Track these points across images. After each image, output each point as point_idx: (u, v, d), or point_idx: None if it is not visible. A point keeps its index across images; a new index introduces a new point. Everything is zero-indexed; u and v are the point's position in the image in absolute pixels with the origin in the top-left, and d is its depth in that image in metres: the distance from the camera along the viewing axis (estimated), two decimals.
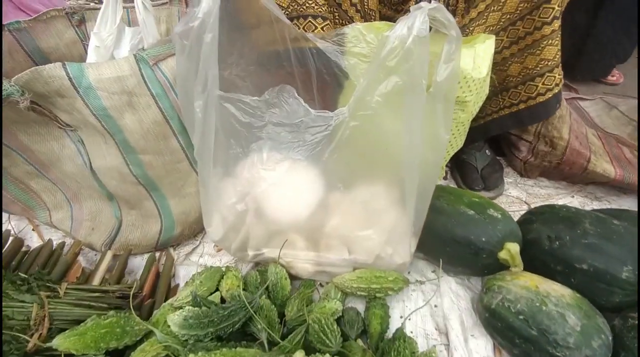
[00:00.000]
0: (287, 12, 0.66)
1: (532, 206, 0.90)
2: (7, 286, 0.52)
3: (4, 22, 0.80)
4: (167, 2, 0.84)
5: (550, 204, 0.76)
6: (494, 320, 0.63)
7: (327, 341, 0.54)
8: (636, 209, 0.84)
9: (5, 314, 0.49)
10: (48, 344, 0.48)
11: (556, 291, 0.60)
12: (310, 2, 0.64)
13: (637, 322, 0.58)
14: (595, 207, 0.88)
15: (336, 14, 0.70)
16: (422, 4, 0.45)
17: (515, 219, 0.73)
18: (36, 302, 0.51)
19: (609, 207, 0.91)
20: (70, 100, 0.63)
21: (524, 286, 0.62)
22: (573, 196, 0.94)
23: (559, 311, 0.57)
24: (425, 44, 0.45)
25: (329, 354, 0.51)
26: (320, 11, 0.66)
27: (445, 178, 1.00)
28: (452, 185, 0.99)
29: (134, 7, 0.73)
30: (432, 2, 0.47)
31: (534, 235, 0.69)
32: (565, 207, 0.71)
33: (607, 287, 0.61)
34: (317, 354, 0.51)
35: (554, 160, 0.91)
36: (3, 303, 0.49)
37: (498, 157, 1.02)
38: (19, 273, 0.58)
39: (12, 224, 0.86)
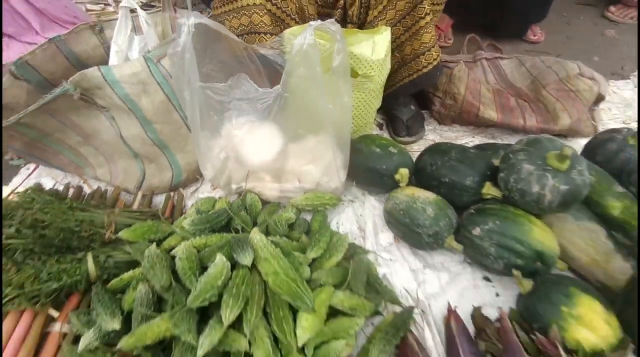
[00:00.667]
0: (240, 31, 0.96)
1: None
2: (88, 204, 0.88)
3: (45, 35, 1.11)
4: (159, 9, 1.13)
5: (436, 143, 1.09)
6: (390, 217, 0.98)
7: (278, 229, 0.89)
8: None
9: (91, 219, 0.85)
10: (116, 236, 0.85)
11: (425, 195, 0.94)
12: (261, 24, 0.94)
13: (472, 212, 0.92)
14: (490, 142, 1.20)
15: (282, 27, 0.99)
16: (311, 22, 0.75)
17: None
18: (106, 215, 0.87)
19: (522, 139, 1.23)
20: (105, 90, 0.95)
21: (407, 194, 0.96)
22: (474, 137, 1.26)
23: (422, 206, 0.92)
24: (314, 47, 0.76)
25: (278, 236, 0.87)
26: (268, 29, 0.95)
27: (381, 129, 1.32)
28: (386, 134, 1.31)
29: (137, 15, 1.04)
30: (332, 19, 0.77)
31: (423, 163, 1.03)
32: (445, 143, 1.04)
33: (459, 192, 0.95)
34: (271, 235, 0.87)
35: (457, 110, 1.22)
36: (88, 212, 0.86)
37: (423, 111, 1.33)
38: (91, 201, 0.93)
39: (69, 178, 1.21)
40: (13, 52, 1.11)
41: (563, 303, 0.76)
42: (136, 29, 1.07)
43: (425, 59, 1.05)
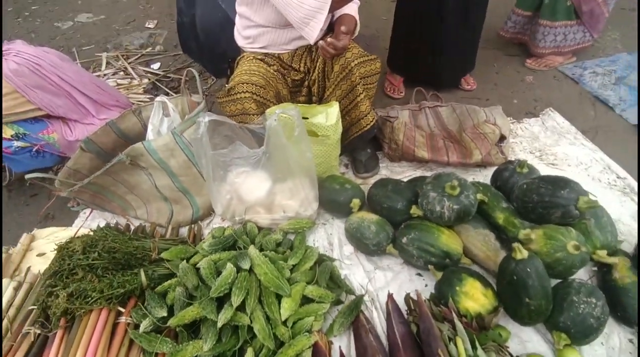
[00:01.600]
0: (236, 113, 1.40)
1: None
2: (138, 235, 1.30)
3: (99, 116, 1.56)
4: (179, 95, 1.59)
5: (381, 178, 1.50)
6: (348, 234, 1.38)
7: (268, 246, 1.30)
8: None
9: (142, 245, 1.26)
10: (159, 256, 1.26)
11: (370, 217, 1.35)
12: (250, 109, 1.38)
13: (402, 227, 1.32)
14: (427, 175, 1.62)
15: (264, 108, 1.43)
16: (277, 111, 1.19)
17: None
18: (151, 242, 1.28)
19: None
20: (145, 156, 1.39)
21: (358, 217, 1.37)
22: (415, 170, 1.68)
23: (368, 224, 1.32)
24: (278, 126, 1.19)
25: (268, 250, 1.28)
26: (255, 112, 1.39)
27: (347, 168, 1.74)
28: (351, 173, 1.72)
29: (166, 103, 1.49)
30: (290, 109, 1.21)
31: (370, 194, 1.44)
32: (386, 179, 1.46)
33: (394, 213, 1.36)
34: (264, 251, 1.28)
35: (399, 152, 1.64)
36: (140, 241, 1.27)
37: (378, 152, 1.76)
38: (138, 234, 1.35)
39: (116, 219, 1.63)
40: (79, 132, 1.57)
41: (457, 284, 1.14)
42: (164, 113, 1.52)
43: (364, 122, 1.49)
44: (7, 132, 1.44)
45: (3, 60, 1.36)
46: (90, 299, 1.14)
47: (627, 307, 1.12)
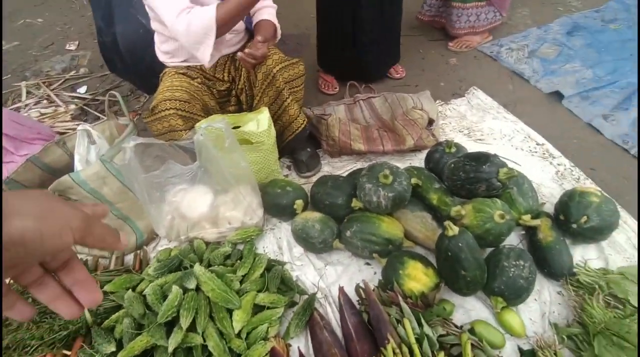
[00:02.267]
0: (163, 131, 1.37)
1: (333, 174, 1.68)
2: None
3: (19, 153, 1.47)
4: (105, 119, 1.53)
5: (320, 176, 1.53)
6: (295, 235, 1.40)
7: (216, 261, 1.29)
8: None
9: None
10: (103, 290, 1.22)
11: (313, 216, 1.38)
12: (177, 125, 1.35)
13: (345, 221, 1.36)
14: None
15: (192, 122, 1.41)
16: (203, 126, 1.18)
17: None
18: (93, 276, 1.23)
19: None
20: (75, 189, 1.33)
21: (302, 217, 1.39)
22: (356, 163, 1.73)
23: (312, 224, 1.35)
24: (206, 140, 1.18)
25: (216, 265, 1.27)
26: (182, 127, 1.35)
27: (290, 169, 1.76)
28: (295, 174, 1.74)
29: (90, 131, 1.43)
30: (219, 122, 1.20)
31: (312, 193, 1.47)
32: (324, 176, 1.49)
33: (336, 209, 1.39)
34: (212, 266, 1.27)
35: (337, 148, 1.68)
36: None
37: (318, 149, 1.79)
38: None
39: None
40: None
41: (399, 268, 1.20)
42: (90, 140, 1.46)
43: (295, 125, 1.52)
44: None
45: None
46: (30, 348, 1.08)
47: (552, 263, 1.23)
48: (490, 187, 1.28)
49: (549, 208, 1.44)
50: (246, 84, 1.52)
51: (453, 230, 1.14)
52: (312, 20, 2.14)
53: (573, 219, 1.27)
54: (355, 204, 1.37)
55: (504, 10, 2.23)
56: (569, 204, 1.30)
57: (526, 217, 1.29)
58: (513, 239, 1.37)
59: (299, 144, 1.65)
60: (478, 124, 1.84)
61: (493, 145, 1.71)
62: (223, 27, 1.28)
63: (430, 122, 1.70)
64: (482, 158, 1.29)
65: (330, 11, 1.93)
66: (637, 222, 1.40)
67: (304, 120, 1.52)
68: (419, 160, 1.70)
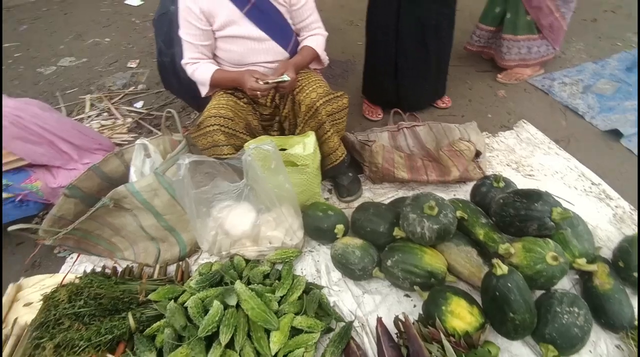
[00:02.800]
0: (207, 146, 1.43)
1: (374, 201, 1.67)
2: (125, 278, 1.30)
3: (82, 161, 1.59)
4: (160, 135, 1.63)
5: (362, 202, 1.53)
6: (334, 260, 1.40)
7: (255, 280, 1.31)
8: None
9: (129, 288, 1.26)
10: (146, 298, 1.26)
11: (354, 242, 1.37)
12: (219, 140, 1.41)
13: (386, 249, 1.34)
14: (409, 194, 1.65)
15: (235, 139, 1.47)
16: (251, 146, 1.22)
17: None
18: (139, 284, 1.28)
19: (414, 193, 1.68)
20: (129, 198, 1.40)
21: (342, 243, 1.38)
22: (397, 191, 1.71)
23: (352, 250, 1.34)
24: (252, 161, 1.22)
25: (255, 284, 1.28)
26: (224, 143, 1.41)
27: (331, 193, 1.77)
28: (335, 198, 1.75)
29: (147, 145, 1.52)
30: (267, 143, 1.24)
31: (354, 218, 1.47)
32: (367, 203, 1.48)
33: (377, 236, 1.38)
34: (252, 284, 1.28)
35: (380, 174, 1.68)
36: (126, 284, 1.27)
37: (360, 175, 1.79)
38: (125, 276, 1.35)
39: (103, 262, 1.63)
40: (62, 178, 1.58)
41: (442, 304, 1.15)
42: (146, 153, 1.55)
43: (333, 157, 1.55)
44: None
45: None
46: (78, 348, 1.13)
47: (610, 313, 1.14)
48: (542, 227, 1.22)
49: (606, 253, 1.35)
50: (290, 113, 1.57)
51: (502, 269, 1.09)
52: (359, 47, 2.20)
53: (635, 267, 1.18)
54: (397, 233, 1.35)
55: (557, 44, 2.18)
56: (630, 250, 1.21)
57: (581, 261, 1.22)
58: (565, 284, 1.29)
59: (338, 172, 1.67)
60: (527, 158, 1.78)
61: (543, 182, 1.65)
62: (215, 87, 1.56)
63: (477, 154, 1.67)
64: (534, 195, 1.25)
65: (376, 42, 1.96)
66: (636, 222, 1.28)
67: (343, 153, 1.54)
68: (463, 192, 1.66)
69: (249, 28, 1.46)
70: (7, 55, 3.50)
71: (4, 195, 1.47)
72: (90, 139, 1.72)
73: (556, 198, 1.24)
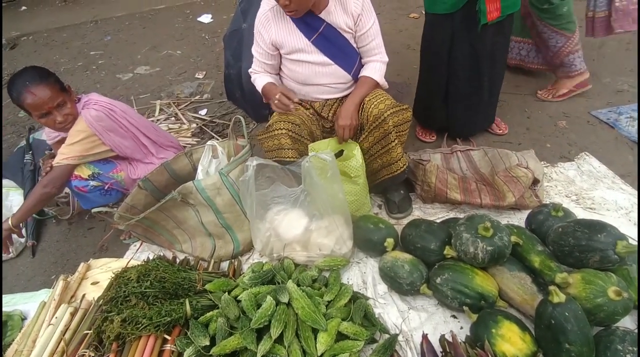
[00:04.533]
0: (272, 148, 1.53)
1: None
2: (183, 268, 1.41)
3: (158, 156, 1.74)
4: (226, 139, 1.75)
5: (415, 218, 1.55)
6: (382, 273, 1.42)
7: (304, 282, 1.36)
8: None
9: (189, 276, 1.36)
10: (203, 288, 1.34)
11: (404, 256, 1.39)
12: (285, 144, 1.50)
13: (436, 267, 1.34)
14: (460, 216, 1.65)
15: (299, 143, 1.56)
16: (311, 153, 1.30)
17: None
18: (197, 274, 1.38)
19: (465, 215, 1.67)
20: (195, 194, 1.52)
21: (392, 256, 1.41)
22: (449, 212, 1.71)
23: (402, 264, 1.36)
24: (310, 168, 1.29)
25: (305, 286, 1.33)
26: (290, 146, 1.50)
27: (380, 208, 1.80)
28: (385, 213, 1.78)
29: (215, 147, 1.65)
30: (325, 153, 1.31)
31: (404, 234, 1.49)
32: (418, 219, 1.50)
33: (428, 253, 1.39)
34: (300, 287, 1.33)
35: (432, 194, 1.69)
36: (187, 273, 1.37)
37: (411, 193, 1.81)
38: (184, 266, 1.46)
39: (163, 252, 1.75)
40: (140, 171, 1.76)
41: (492, 327, 1.14)
42: (213, 155, 1.68)
43: (395, 167, 1.59)
44: (85, 172, 1.64)
45: (85, 108, 1.59)
46: (140, 325, 1.23)
47: None
48: (604, 259, 1.18)
49: None
50: None
51: (559, 296, 1.06)
52: (414, 71, 2.25)
53: None
54: (448, 252, 1.35)
55: (547, 55, 2.27)
56: None
57: None
58: (628, 323, 1.22)
59: (392, 185, 1.70)
60: (589, 191, 1.72)
61: (606, 217, 1.58)
62: (264, 96, 1.66)
63: (535, 182, 1.64)
64: (597, 226, 1.21)
65: (429, 68, 2.00)
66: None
67: (404, 164, 1.57)
68: (517, 219, 1.63)
69: (315, 55, 1.56)
70: (92, 61, 3.92)
71: (94, 183, 1.65)
72: (164, 136, 1.89)
73: (621, 233, 1.20)
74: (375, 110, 1.51)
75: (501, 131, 2.14)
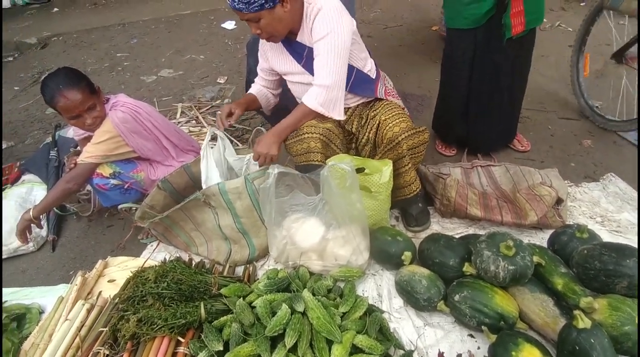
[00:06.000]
0: (301, 152, 1.52)
1: None
2: (199, 271, 1.42)
3: (178, 159, 1.77)
4: (246, 146, 1.77)
5: (433, 232, 1.52)
6: (398, 287, 1.40)
7: (320, 292, 1.35)
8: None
9: (205, 280, 1.36)
10: (218, 292, 1.35)
11: (421, 271, 1.36)
12: (315, 148, 1.50)
13: (454, 284, 1.32)
14: (480, 232, 1.62)
15: (328, 149, 1.54)
16: (330, 163, 1.29)
17: None
18: (213, 278, 1.38)
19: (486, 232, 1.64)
20: (217, 197, 1.53)
21: (409, 270, 1.39)
22: (468, 228, 1.68)
23: (419, 279, 1.33)
24: (329, 176, 1.29)
25: (320, 296, 1.32)
26: (320, 151, 1.50)
27: (398, 220, 1.78)
28: (402, 225, 1.76)
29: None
30: (345, 164, 1.31)
31: (422, 248, 1.47)
32: (437, 234, 1.48)
33: (446, 269, 1.36)
34: (315, 296, 1.32)
35: (451, 208, 1.67)
36: (203, 276, 1.37)
37: (429, 206, 1.79)
38: (202, 268, 1.47)
39: (178, 253, 1.77)
40: (160, 172, 1.79)
41: (512, 349, 1.10)
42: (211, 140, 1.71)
43: (407, 190, 1.58)
44: (107, 170, 1.68)
45: (113, 110, 1.63)
46: (155, 326, 1.23)
47: None
48: (633, 286, 1.14)
49: None
50: (371, 146, 1.61)
51: (585, 322, 1.03)
52: (435, 83, 2.23)
53: None
54: (468, 269, 1.33)
55: None
56: None
57: None
58: None
59: (409, 204, 1.69)
60: (614, 214, 1.67)
61: (633, 241, 1.52)
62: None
63: (559, 201, 1.60)
64: (626, 251, 1.17)
65: (450, 82, 1.99)
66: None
67: (417, 188, 1.57)
68: (539, 239, 1.59)
69: (304, 77, 1.58)
70: (118, 63, 4.03)
71: (114, 182, 1.68)
72: (186, 140, 1.91)
73: None
74: (389, 133, 1.50)
75: (523, 148, 2.10)
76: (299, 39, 1.53)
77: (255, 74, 2.61)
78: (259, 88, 1.79)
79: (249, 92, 1.78)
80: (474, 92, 1.92)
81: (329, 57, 1.42)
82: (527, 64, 1.95)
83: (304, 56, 1.53)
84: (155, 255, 1.79)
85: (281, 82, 1.79)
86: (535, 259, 1.28)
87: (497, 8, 1.69)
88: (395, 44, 3.49)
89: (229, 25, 4.44)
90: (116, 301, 1.45)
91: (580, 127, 2.23)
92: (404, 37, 3.61)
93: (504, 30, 1.71)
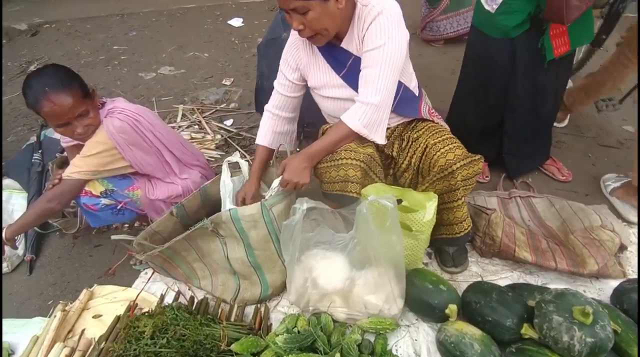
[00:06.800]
0: (336, 180, 1.28)
1: (484, 279, 1.44)
2: (207, 318, 1.18)
3: (180, 176, 1.53)
4: (270, 166, 1.54)
5: (478, 281, 1.31)
6: (441, 346, 1.18)
7: (351, 353, 1.12)
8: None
9: (212, 333, 1.13)
10: (228, 348, 1.11)
11: (472, 331, 1.15)
12: (354, 177, 1.26)
13: (513, 350, 1.10)
14: (528, 279, 1.42)
15: (367, 178, 1.33)
16: (370, 198, 1.07)
17: None
18: (221, 329, 1.15)
19: (535, 279, 1.43)
20: (228, 224, 1.29)
21: (456, 328, 1.17)
22: (512, 272, 1.47)
23: (470, 342, 1.12)
24: (367, 214, 1.07)
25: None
26: (359, 181, 1.27)
27: (430, 257, 1.57)
28: (435, 264, 1.55)
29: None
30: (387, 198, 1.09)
31: (468, 299, 1.25)
32: (486, 283, 1.26)
33: (500, 330, 1.15)
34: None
35: (495, 249, 1.46)
36: (209, 327, 1.14)
37: (467, 243, 1.58)
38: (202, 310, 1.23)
39: (177, 285, 1.53)
40: (160, 191, 1.53)
41: None
42: (233, 173, 1.49)
43: (457, 228, 1.36)
44: (97, 188, 1.43)
45: (109, 117, 1.38)
46: None
47: None
48: None
49: None
50: (415, 173, 1.38)
51: None
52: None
53: None
54: (527, 332, 1.12)
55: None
56: None
57: None
58: None
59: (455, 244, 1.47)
60: None
61: None
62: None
63: (622, 248, 1.40)
64: None
65: (472, 92, 1.84)
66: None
67: (469, 225, 1.35)
68: (596, 290, 1.38)
69: (342, 90, 1.35)
70: (114, 57, 3.75)
71: (106, 201, 1.43)
72: (191, 153, 1.67)
73: None
74: (442, 160, 1.26)
75: (564, 178, 1.90)
76: (344, 44, 1.30)
77: (268, 79, 2.39)
78: (274, 123, 1.55)
79: (257, 142, 1.55)
80: (510, 113, 1.74)
81: (381, 71, 1.20)
82: (564, 85, 1.82)
83: (346, 66, 1.30)
84: (149, 286, 1.55)
85: (300, 103, 1.55)
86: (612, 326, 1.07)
87: (531, 24, 1.51)
88: None
89: (236, 22, 4.19)
90: (102, 345, 1.21)
91: (624, 157, 2.04)
92: (424, 48, 3.40)
93: (544, 52, 1.55)
